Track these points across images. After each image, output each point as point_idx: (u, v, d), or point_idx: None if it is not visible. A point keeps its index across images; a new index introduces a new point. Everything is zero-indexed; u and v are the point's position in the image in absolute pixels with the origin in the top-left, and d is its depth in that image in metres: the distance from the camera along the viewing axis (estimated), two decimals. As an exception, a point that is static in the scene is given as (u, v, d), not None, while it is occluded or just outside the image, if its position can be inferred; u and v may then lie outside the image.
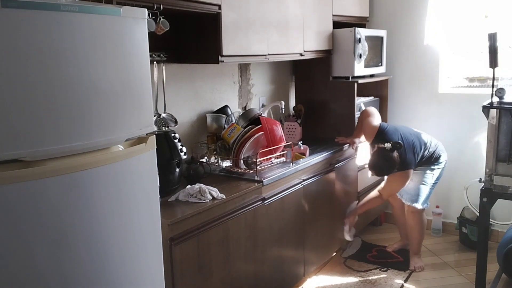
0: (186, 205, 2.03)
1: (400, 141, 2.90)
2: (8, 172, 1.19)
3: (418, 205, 3.12)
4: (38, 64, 1.22)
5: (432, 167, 3.10)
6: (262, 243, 2.43)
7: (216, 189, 2.15)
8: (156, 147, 1.61)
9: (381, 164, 2.92)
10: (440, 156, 3.11)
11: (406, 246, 3.43)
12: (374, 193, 3.24)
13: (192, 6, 2.20)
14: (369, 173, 3.15)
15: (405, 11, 3.78)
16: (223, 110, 2.86)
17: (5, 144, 1.18)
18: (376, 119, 3.14)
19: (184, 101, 2.72)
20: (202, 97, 2.86)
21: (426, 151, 3.06)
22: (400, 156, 2.89)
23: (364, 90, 3.72)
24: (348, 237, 3.25)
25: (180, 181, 2.23)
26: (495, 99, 2.40)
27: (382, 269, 3.18)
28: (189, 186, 2.13)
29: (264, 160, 2.60)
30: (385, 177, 3.16)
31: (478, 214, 2.68)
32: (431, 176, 3.11)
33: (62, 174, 1.29)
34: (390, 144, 2.86)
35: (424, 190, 3.12)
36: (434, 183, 3.14)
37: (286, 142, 2.76)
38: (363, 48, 3.35)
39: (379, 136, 3.01)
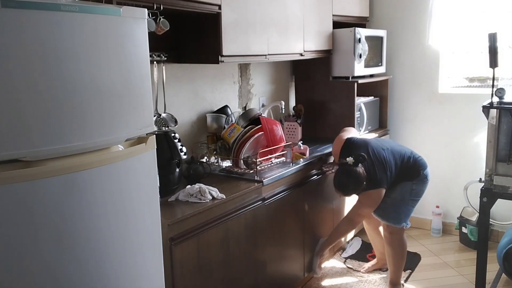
0: (186, 205, 2.03)
1: (363, 153, 2.58)
2: (8, 172, 1.19)
3: (397, 225, 2.76)
4: (38, 64, 1.22)
5: (411, 181, 2.73)
6: (262, 243, 2.43)
7: (216, 189, 2.15)
8: (156, 147, 1.61)
9: (345, 180, 2.58)
10: (420, 171, 2.73)
11: (384, 266, 3.13)
12: (343, 220, 2.93)
13: (192, 6, 2.20)
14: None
15: (405, 11, 3.78)
16: (223, 110, 2.86)
17: (5, 144, 1.18)
18: (347, 134, 2.88)
19: (184, 101, 2.72)
20: (202, 97, 2.86)
21: (402, 166, 2.71)
22: (368, 172, 2.58)
23: (364, 90, 3.72)
24: (316, 273, 2.96)
25: (180, 181, 2.23)
26: (495, 99, 2.40)
27: (382, 269, 3.17)
28: (189, 186, 2.13)
29: (264, 160, 2.60)
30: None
31: (478, 214, 2.68)
32: (409, 192, 2.73)
33: (62, 174, 1.29)
34: (352, 158, 2.55)
35: (403, 208, 2.76)
36: (415, 200, 2.77)
37: (286, 142, 2.76)
38: (363, 48, 3.35)
39: (345, 149, 2.72)
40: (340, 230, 2.94)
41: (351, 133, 2.94)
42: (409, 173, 2.73)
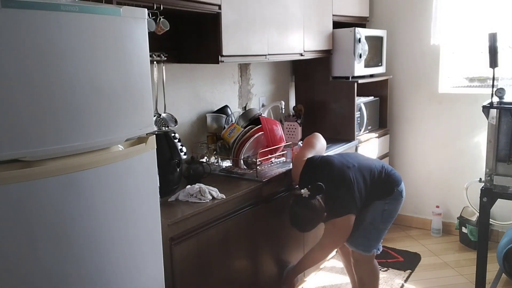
0: (186, 205, 2.03)
1: (320, 183, 2.23)
2: (8, 172, 1.19)
3: (367, 252, 2.44)
4: (38, 64, 1.22)
5: (383, 201, 2.39)
6: (262, 243, 2.43)
7: (216, 189, 2.15)
8: (156, 147, 1.61)
9: (300, 216, 2.29)
10: (394, 187, 2.40)
11: None
12: (315, 247, 2.50)
13: (192, 6, 2.20)
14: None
15: (405, 11, 3.78)
16: (223, 110, 2.86)
17: (5, 144, 1.18)
18: (310, 151, 2.53)
19: (184, 101, 2.72)
20: (202, 97, 2.86)
21: (373, 183, 2.38)
22: (330, 199, 2.29)
23: (364, 90, 3.72)
24: None
25: (180, 181, 2.23)
26: (495, 99, 2.40)
27: (382, 269, 3.17)
28: (189, 186, 2.13)
29: (264, 160, 2.60)
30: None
31: (478, 214, 2.68)
32: (380, 213, 2.39)
33: (62, 174, 1.29)
34: (307, 190, 2.25)
35: (373, 232, 2.42)
36: (387, 222, 2.43)
37: (286, 142, 2.76)
38: (363, 48, 3.35)
39: (306, 171, 2.40)
40: (311, 257, 2.53)
41: (315, 146, 2.59)
42: (381, 190, 2.40)
